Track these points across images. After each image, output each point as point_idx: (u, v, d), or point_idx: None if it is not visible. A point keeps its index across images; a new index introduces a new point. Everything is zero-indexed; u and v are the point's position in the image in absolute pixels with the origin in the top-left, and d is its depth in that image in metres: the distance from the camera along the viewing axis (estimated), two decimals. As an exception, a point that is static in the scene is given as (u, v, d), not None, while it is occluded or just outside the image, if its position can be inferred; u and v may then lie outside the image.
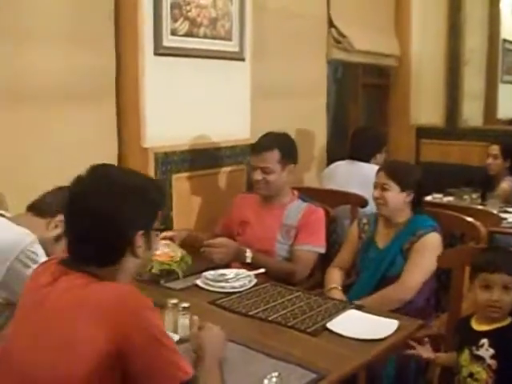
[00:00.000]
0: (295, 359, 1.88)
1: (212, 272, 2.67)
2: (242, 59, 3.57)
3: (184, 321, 2.06)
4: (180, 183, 3.27)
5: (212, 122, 3.45)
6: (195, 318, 2.03)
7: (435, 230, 2.82)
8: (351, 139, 4.13)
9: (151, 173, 3.10)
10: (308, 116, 4.44)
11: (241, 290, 2.55)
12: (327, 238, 3.10)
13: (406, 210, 2.91)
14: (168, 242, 2.81)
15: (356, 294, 2.84)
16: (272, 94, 4.06)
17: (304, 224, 3.05)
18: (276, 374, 1.74)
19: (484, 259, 2.17)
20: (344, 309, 2.33)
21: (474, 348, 2.10)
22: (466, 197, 4.39)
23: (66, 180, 2.85)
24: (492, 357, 2.06)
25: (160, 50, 3.10)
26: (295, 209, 3.10)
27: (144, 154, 3.10)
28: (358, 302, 2.63)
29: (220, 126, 3.49)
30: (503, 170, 4.61)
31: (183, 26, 3.20)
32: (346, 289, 2.91)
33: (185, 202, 3.31)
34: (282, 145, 3.08)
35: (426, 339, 2.28)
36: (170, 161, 3.20)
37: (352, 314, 2.28)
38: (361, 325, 2.16)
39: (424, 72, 5.67)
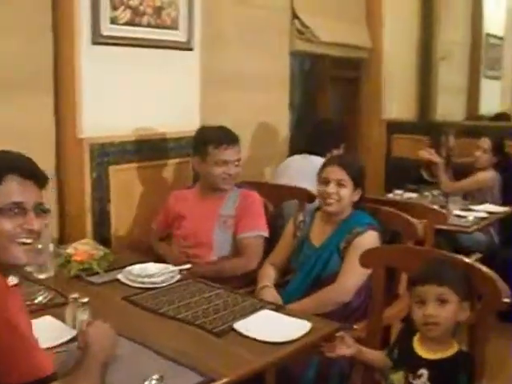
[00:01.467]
0: (190, 360, 1.82)
1: (136, 266, 2.62)
2: (190, 49, 3.49)
3: (83, 316, 2.01)
4: (119, 175, 3.20)
5: (156, 113, 3.38)
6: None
7: (373, 227, 2.74)
8: (308, 132, 4.05)
9: (86, 163, 3.05)
10: (268, 108, 4.36)
11: (162, 285, 2.50)
12: (272, 233, 3.06)
13: (349, 207, 2.84)
14: (87, 240, 2.78)
15: (290, 293, 2.79)
16: (228, 85, 3.99)
17: (241, 210, 3.03)
18: (157, 376, 1.69)
19: (417, 271, 2.00)
20: (260, 308, 2.27)
21: (410, 375, 1.92)
22: (427, 193, 4.33)
23: None
24: None
25: (98, 39, 3.02)
26: (232, 198, 3.07)
27: (79, 144, 3.04)
28: (293, 305, 2.59)
29: (165, 117, 3.42)
30: (490, 165, 4.53)
31: (124, 15, 3.12)
32: (280, 287, 2.86)
33: (124, 194, 3.24)
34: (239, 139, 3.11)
35: (341, 333, 2.12)
36: (108, 152, 3.13)
37: (265, 315, 2.21)
38: (271, 326, 2.10)
39: (396, 65, 5.56)
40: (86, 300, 2.02)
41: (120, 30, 3.12)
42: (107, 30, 3.06)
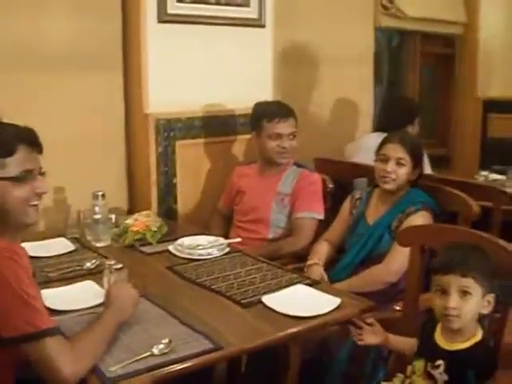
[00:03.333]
0: (207, 328, 1.87)
1: (187, 238, 2.70)
2: (262, 26, 3.50)
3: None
4: (186, 150, 3.29)
5: (225, 89, 3.42)
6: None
7: (426, 207, 2.69)
8: (381, 110, 3.97)
9: (152, 138, 3.16)
10: (350, 85, 4.29)
11: (208, 257, 2.56)
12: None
13: (406, 185, 2.80)
14: (148, 212, 2.89)
15: (339, 270, 2.79)
16: (306, 61, 3.98)
17: (299, 190, 3.04)
18: (166, 340, 1.75)
19: (439, 258, 1.87)
20: (296, 283, 2.28)
21: (429, 364, 1.86)
22: (514, 176, 4.12)
23: (76, 146, 3.03)
24: (445, 383, 1.81)
25: (164, 18, 3.11)
26: (290, 176, 3.09)
27: (145, 119, 3.15)
28: (340, 284, 2.59)
29: (235, 94, 3.46)
30: None
31: (192, -7, 3.19)
32: (334, 264, 2.86)
33: (191, 169, 3.33)
34: (294, 113, 3.12)
35: (372, 320, 2.08)
36: (174, 127, 3.23)
37: (298, 290, 2.22)
38: (299, 301, 2.10)
39: (495, 40, 5.29)
40: (120, 266, 2.12)
41: (187, 8, 3.18)
42: (174, 8, 3.13)
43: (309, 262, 2.79)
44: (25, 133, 1.70)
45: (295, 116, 3.10)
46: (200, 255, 2.57)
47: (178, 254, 2.61)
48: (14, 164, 1.65)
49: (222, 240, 2.71)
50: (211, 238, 2.72)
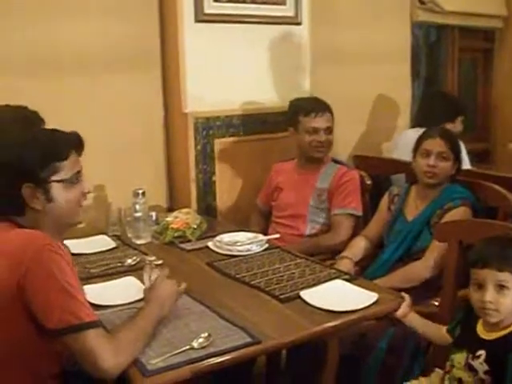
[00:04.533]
0: (245, 323, 1.89)
1: (226, 235, 2.73)
2: (298, 23, 3.52)
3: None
4: (224, 148, 3.33)
5: (263, 87, 3.45)
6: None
7: (466, 203, 2.67)
8: (419, 106, 3.94)
9: (191, 136, 3.20)
10: (387, 81, 4.27)
11: (247, 253, 2.59)
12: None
13: (446, 180, 2.79)
14: (188, 209, 2.92)
15: (378, 266, 2.79)
16: (343, 58, 3.98)
17: (337, 187, 3.05)
18: (205, 334, 1.78)
19: (476, 251, 1.87)
20: (334, 279, 2.29)
21: (470, 355, 1.85)
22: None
23: (114, 147, 3.09)
24: (486, 372, 1.78)
25: (201, 17, 3.15)
26: (327, 172, 3.10)
27: (184, 118, 3.19)
28: (379, 280, 2.59)
29: (273, 92, 3.49)
30: None
31: (227, -7, 3.23)
32: (372, 260, 2.86)
33: (229, 167, 3.36)
34: (330, 108, 3.14)
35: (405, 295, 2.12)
36: (213, 125, 3.27)
37: (336, 285, 2.23)
38: (336, 296, 2.11)
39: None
40: (159, 262, 2.16)
41: (223, 8, 3.22)
42: (210, 7, 3.17)
43: (340, 255, 2.80)
44: (74, 138, 1.79)
45: (331, 111, 3.12)
46: (239, 251, 2.60)
47: (216, 249, 2.64)
48: (67, 167, 1.75)
49: (260, 236, 2.73)
50: (250, 235, 2.74)
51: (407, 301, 2.09)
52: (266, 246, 2.68)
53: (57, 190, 1.73)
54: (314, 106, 3.09)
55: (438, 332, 2.03)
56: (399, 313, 2.07)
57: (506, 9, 5.08)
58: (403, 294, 2.09)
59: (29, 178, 1.68)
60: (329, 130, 3.08)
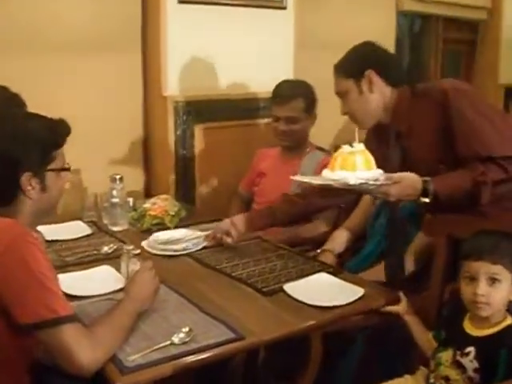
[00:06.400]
0: (228, 317, 1.82)
1: (161, 233, 2.58)
2: (283, 7, 3.43)
3: (134, 267, 2.04)
4: (205, 133, 3.24)
5: (246, 72, 3.38)
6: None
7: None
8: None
9: (170, 121, 3.10)
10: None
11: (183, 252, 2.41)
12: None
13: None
14: (166, 196, 2.83)
15: (362, 259, 2.73)
16: (325, 45, 3.89)
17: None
18: (186, 329, 1.70)
19: (469, 244, 1.82)
20: (318, 272, 2.22)
21: (458, 353, 1.80)
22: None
23: (90, 130, 2.98)
24: (475, 370, 1.75)
25: (184, -2, 3.05)
26: (310, 161, 3.01)
27: (164, 101, 3.10)
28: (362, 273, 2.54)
29: (256, 77, 3.41)
30: None
31: (212, -26, 3.13)
32: (353, 252, 2.80)
33: (209, 153, 3.28)
34: (306, 93, 3.02)
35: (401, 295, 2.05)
36: (193, 110, 3.18)
37: (320, 278, 2.16)
38: (321, 290, 2.05)
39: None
40: (137, 251, 2.07)
41: (208, -11, 3.12)
42: (199, -11, 3.07)
43: (322, 248, 2.74)
44: (66, 125, 1.74)
45: (302, 100, 2.96)
46: (175, 251, 2.41)
47: (150, 250, 2.42)
48: (61, 156, 1.72)
49: (198, 233, 2.53)
50: (189, 232, 2.57)
51: (404, 299, 2.03)
52: (205, 243, 2.49)
53: (51, 178, 1.69)
54: (279, 92, 2.99)
55: (427, 338, 1.97)
56: (401, 309, 2.01)
57: (490, 0, 5.05)
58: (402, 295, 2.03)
59: (29, 167, 1.63)
60: (291, 120, 2.96)
